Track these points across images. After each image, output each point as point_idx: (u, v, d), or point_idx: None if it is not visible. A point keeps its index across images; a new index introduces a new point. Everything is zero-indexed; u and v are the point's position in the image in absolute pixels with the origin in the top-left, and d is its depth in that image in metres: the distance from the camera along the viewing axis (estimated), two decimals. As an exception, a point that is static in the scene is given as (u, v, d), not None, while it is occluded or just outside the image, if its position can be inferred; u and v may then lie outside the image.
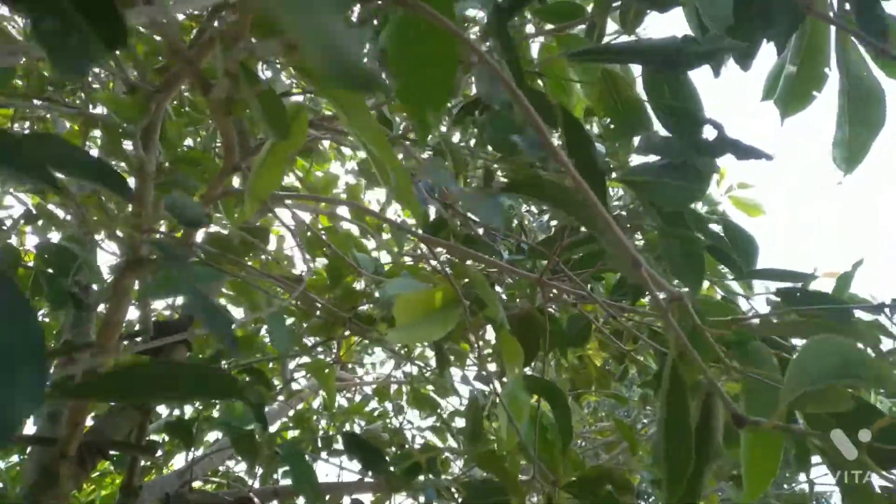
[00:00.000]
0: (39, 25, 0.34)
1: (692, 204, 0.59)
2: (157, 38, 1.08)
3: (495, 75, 0.45)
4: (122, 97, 0.96)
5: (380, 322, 1.07)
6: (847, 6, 0.71)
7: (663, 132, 0.74)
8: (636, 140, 0.65)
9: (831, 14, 0.75)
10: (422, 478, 1.06)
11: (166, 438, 2.13)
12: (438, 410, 2.20)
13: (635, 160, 0.71)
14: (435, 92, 0.50)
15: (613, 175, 0.64)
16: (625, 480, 0.70)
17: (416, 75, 0.51)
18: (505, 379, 0.87)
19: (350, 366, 2.87)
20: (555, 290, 0.84)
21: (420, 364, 2.10)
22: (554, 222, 1.73)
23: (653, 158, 0.62)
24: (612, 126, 0.75)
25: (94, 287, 1.54)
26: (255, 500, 1.25)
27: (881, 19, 0.69)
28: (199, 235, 0.93)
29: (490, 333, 1.75)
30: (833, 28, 0.83)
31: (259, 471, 1.90)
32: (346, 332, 1.41)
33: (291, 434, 2.20)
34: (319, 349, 2.04)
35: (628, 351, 1.18)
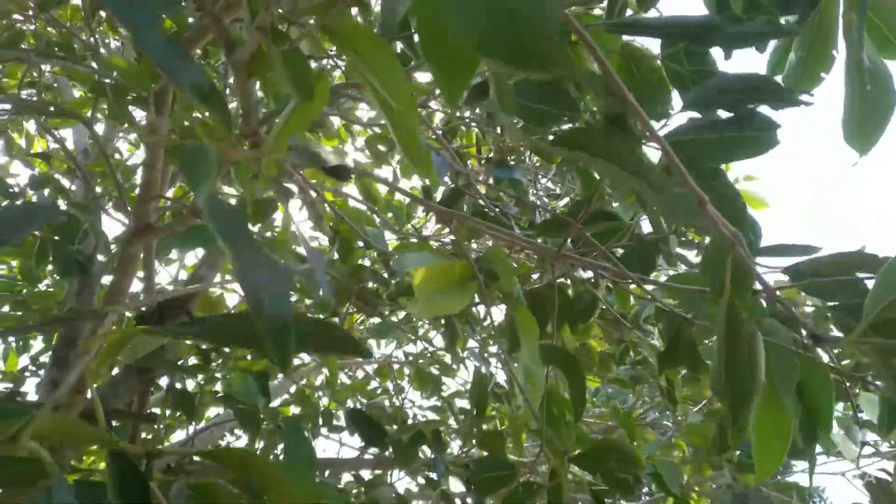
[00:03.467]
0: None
1: (753, 156, 0.58)
2: None
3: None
4: (133, 62, 0.95)
5: (395, 297, 1.06)
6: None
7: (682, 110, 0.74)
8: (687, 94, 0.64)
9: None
10: (428, 452, 1.06)
11: (168, 412, 2.13)
12: (440, 390, 2.20)
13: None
14: (465, 56, 0.49)
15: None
16: (632, 453, 0.70)
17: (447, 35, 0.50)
18: (515, 355, 0.86)
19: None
20: (570, 265, 0.84)
21: (425, 343, 2.10)
22: (562, 202, 1.72)
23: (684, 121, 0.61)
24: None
25: (100, 256, 1.53)
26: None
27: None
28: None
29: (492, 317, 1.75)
30: (841, 8, 0.82)
31: (260, 445, 1.91)
32: (352, 310, 1.41)
33: (293, 411, 2.21)
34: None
35: (631, 328, 1.18)
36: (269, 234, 2.01)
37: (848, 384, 0.73)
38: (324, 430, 1.79)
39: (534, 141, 0.46)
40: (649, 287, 0.87)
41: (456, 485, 1.23)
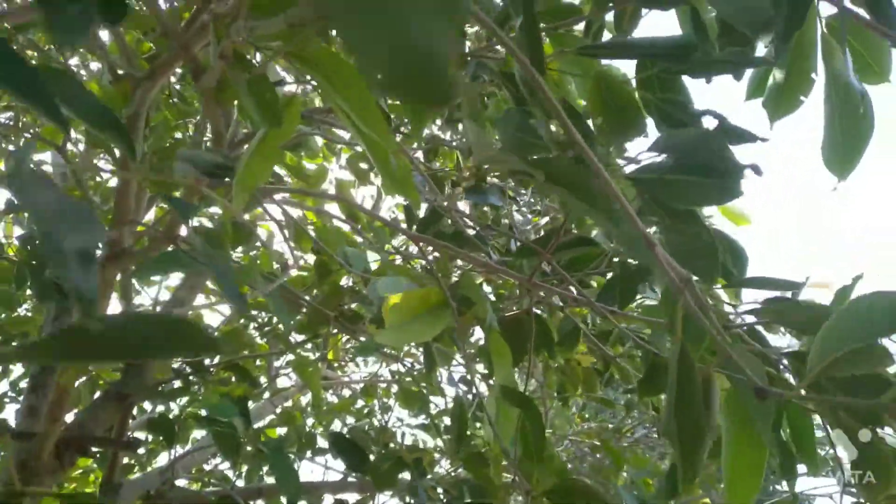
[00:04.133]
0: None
1: (716, 203, 0.58)
2: (148, 20, 1.06)
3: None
4: (107, 85, 0.94)
5: (369, 323, 1.05)
6: None
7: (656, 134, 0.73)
8: (652, 138, 0.64)
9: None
10: (408, 476, 1.05)
11: (150, 437, 2.10)
12: (427, 408, 2.19)
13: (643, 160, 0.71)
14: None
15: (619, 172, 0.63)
16: (598, 496, 0.70)
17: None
18: (492, 381, 0.86)
19: (338, 364, 2.85)
20: (542, 294, 0.83)
21: (409, 361, 2.09)
22: (543, 220, 1.72)
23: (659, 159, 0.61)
24: (604, 126, 0.74)
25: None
26: (238, 498, 1.23)
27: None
28: (183, 230, 0.92)
29: (476, 335, 1.74)
30: (819, 33, 0.83)
31: (245, 469, 1.88)
32: (334, 331, 1.40)
33: (279, 432, 2.18)
34: (308, 346, 2.03)
35: (613, 357, 1.17)
36: (253, 252, 2.00)
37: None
38: (308, 453, 1.77)
39: (503, 161, 0.45)
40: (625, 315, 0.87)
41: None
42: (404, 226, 1.37)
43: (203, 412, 1.26)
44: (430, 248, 0.99)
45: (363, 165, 2.14)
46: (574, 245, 0.85)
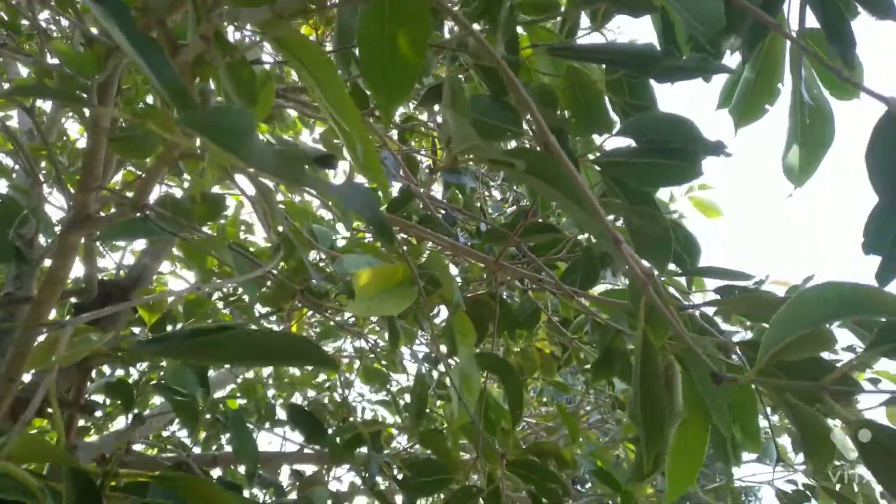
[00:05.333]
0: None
1: (677, 184, 0.60)
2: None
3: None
4: (79, 50, 0.93)
5: (337, 294, 1.06)
6: (807, 23, 0.73)
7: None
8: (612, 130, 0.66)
9: (793, 33, 0.77)
10: (364, 450, 1.07)
11: (108, 400, 2.09)
12: (388, 385, 2.22)
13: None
14: (403, 75, 0.50)
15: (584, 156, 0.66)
16: (565, 456, 0.73)
17: (385, 55, 0.51)
18: (455, 359, 0.88)
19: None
20: (507, 276, 0.86)
21: (373, 339, 2.11)
22: (512, 209, 1.75)
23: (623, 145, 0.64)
24: (573, 120, 0.76)
25: (42, 240, 1.49)
26: (194, 465, 1.24)
27: (846, 40, 0.71)
28: (152, 197, 0.91)
29: (441, 316, 1.76)
30: (788, 45, 0.86)
31: (203, 436, 1.89)
32: (298, 305, 1.40)
33: (239, 403, 2.19)
34: (272, 319, 2.03)
35: (572, 339, 1.21)
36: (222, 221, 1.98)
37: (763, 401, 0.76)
38: (267, 424, 1.78)
39: (482, 150, 0.47)
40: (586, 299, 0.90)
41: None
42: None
43: (161, 379, 1.27)
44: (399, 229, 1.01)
45: (336, 141, 2.13)
46: (540, 231, 0.87)
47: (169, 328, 1.57)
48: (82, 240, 1.11)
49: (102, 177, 1.02)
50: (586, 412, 2.13)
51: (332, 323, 1.69)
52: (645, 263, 0.39)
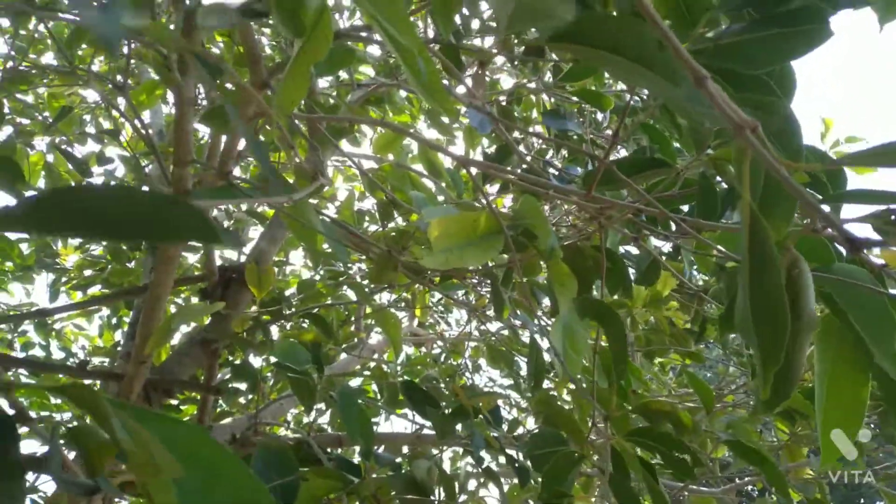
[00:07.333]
0: None
1: (802, 54, 0.48)
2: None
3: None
4: (161, 24, 0.93)
5: (413, 247, 1.00)
6: None
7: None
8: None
9: None
10: (463, 427, 1.00)
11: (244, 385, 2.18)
12: (514, 367, 2.15)
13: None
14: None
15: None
16: (682, 419, 0.62)
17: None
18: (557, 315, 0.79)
19: (428, 322, 2.85)
20: (612, 218, 0.75)
21: (500, 321, 2.04)
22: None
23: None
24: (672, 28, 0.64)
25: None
26: (313, 443, 1.23)
27: None
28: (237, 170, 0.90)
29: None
30: None
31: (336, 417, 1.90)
32: (414, 286, 1.36)
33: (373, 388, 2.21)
34: (389, 299, 2.02)
35: (697, 292, 1.06)
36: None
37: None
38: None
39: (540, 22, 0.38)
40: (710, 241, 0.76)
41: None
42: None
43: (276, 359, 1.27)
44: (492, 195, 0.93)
45: (445, 119, 2.09)
46: (648, 167, 0.75)
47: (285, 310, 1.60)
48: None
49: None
50: (731, 391, 1.93)
51: (450, 300, 1.64)
52: (745, 115, 0.29)
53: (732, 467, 1.53)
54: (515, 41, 0.95)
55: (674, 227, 0.90)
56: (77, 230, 0.24)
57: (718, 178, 0.84)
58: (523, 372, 2.21)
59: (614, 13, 0.49)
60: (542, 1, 0.35)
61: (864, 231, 0.66)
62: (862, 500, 7.32)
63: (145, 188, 1.45)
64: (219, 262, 1.57)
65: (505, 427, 1.35)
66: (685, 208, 0.93)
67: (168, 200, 0.23)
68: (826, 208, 0.35)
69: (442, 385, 1.49)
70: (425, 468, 0.83)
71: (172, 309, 2.35)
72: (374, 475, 0.98)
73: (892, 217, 0.63)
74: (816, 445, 1.51)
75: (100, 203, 0.23)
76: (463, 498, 1.06)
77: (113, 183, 1.72)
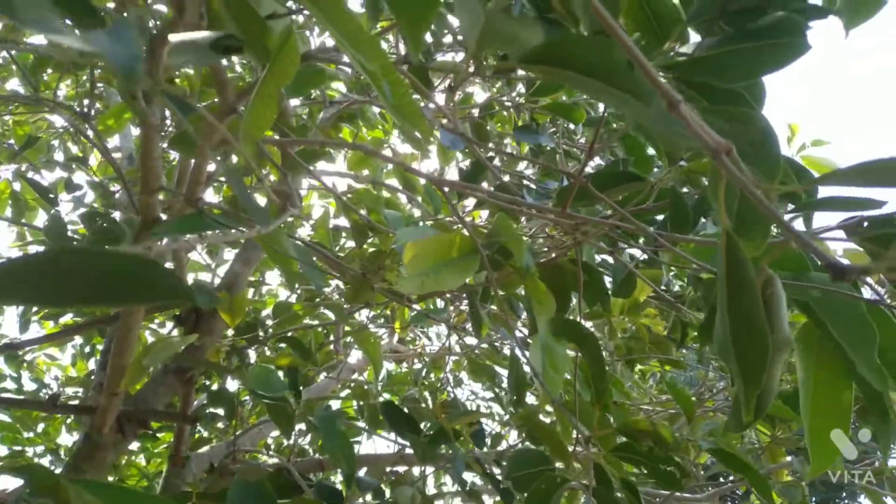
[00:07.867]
0: None
1: (781, 66, 0.48)
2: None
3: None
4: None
5: (390, 271, 0.99)
6: None
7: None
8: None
9: None
10: (445, 448, 0.99)
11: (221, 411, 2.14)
12: (496, 380, 2.14)
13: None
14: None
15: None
16: (663, 435, 0.61)
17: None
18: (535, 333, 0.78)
19: (409, 338, 2.83)
20: (587, 232, 0.74)
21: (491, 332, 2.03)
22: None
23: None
24: (642, 43, 0.64)
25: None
26: (293, 469, 1.21)
27: None
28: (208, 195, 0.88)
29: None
30: None
31: (307, 440, 1.88)
32: (381, 300, 1.35)
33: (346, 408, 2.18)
34: (368, 316, 2.00)
35: (673, 301, 1.06)
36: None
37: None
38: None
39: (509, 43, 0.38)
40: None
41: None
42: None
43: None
44: (468, 207, 0.92)
45: (418, 135, 2.08)
46: (622, 181, 0.75)
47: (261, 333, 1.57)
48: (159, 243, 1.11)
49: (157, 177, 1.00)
50: (711, 396, 1.94)
51: (430, 317, 1.63)
52: (719, 137, 0.28)
53: (715, 467, 1.53)
54: (485, 61, 0.95)
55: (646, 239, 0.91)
56: (47, 301, 0.23)
57: (690, 189, 0.84)
58: (505, 384, 2.20)
59: (585, 34, 0.49)
60: (508, 26, 0.35)
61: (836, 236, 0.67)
62: (844, 498, 7.40)
63: (117, 226, 1.42)
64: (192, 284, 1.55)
65: (488, 441, 1.34)
66: (660, 217, 0.93)
67: (141, 264, 0.22)
68: (800, 225, 0.35)
69: (423, 404, 1.47)
70: (409, 495, 0.82)
71: (147, 333, 2.30)
72: (359, 501, 0.96)
73: (865, 224, 0.63)
74: (796, 447, 1.52)
75: (72, 269, 0.22)
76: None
77: (83, 210, 1.69)
